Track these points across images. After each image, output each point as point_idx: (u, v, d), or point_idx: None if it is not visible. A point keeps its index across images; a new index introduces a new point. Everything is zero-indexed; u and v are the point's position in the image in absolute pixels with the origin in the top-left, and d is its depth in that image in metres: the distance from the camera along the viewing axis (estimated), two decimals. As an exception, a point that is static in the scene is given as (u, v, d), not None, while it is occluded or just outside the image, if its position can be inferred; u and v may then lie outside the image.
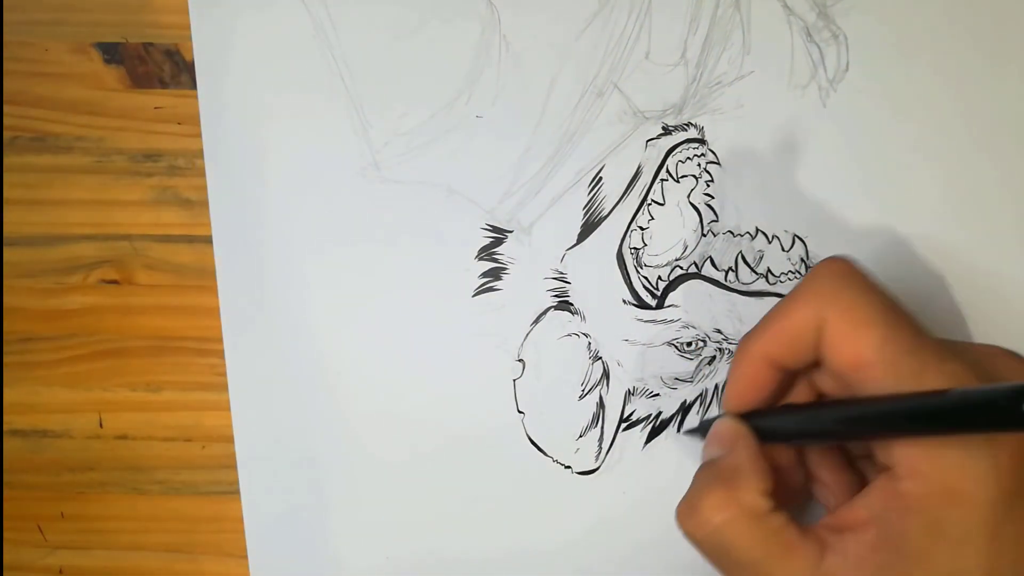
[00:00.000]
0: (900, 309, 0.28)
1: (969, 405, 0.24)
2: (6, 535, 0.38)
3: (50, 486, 0.38)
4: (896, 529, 0.26)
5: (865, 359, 0.27)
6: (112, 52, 0.38)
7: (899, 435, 0.26)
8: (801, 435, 0.30)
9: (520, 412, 0.36)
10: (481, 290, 0.35)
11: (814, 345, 0.28)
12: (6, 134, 0.37)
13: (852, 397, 0.28)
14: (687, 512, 0.29)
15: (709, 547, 0.29)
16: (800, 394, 0.31)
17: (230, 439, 0.38)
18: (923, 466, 0.26)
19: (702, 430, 0.34)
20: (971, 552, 0.26)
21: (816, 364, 0.30)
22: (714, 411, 0.36)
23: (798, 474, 0.32)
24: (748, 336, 0.30)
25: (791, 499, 0.31)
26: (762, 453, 0.30)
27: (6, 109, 0.38)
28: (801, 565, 0.27)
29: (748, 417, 0.31)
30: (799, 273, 0.35)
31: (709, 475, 0.29)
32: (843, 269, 0.29)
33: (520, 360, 0.35)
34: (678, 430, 0.36)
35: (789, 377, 0.31)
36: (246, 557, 0.38)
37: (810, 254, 0.35)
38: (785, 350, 0.29)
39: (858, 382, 0.27)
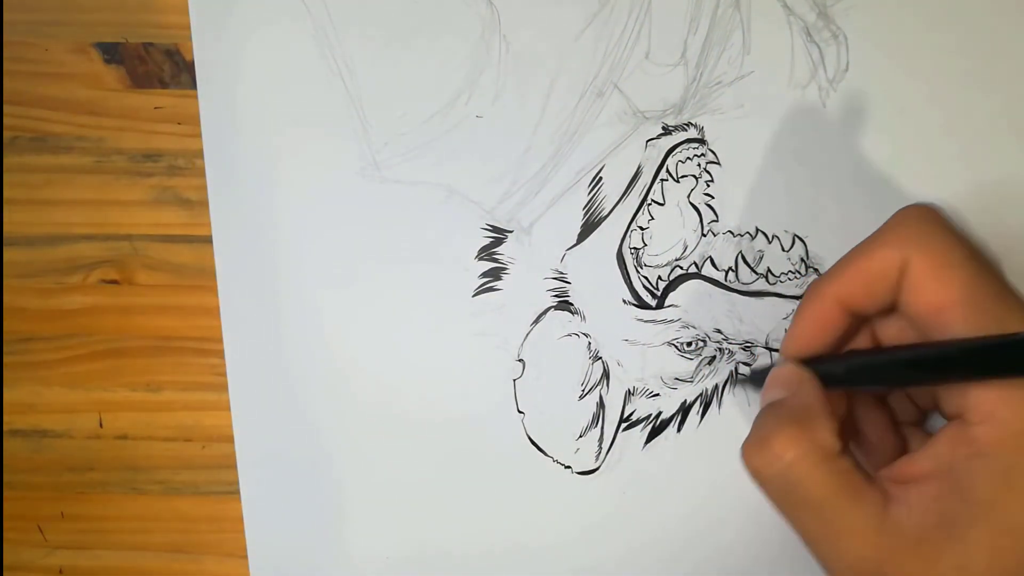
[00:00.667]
0: (984, 257, 0.28)
1: None
2: (6, 535, 0.38)
3: (50, 486, 0.38)
4: (964, 478, 0.26)
5: (950, 300, 0.27)
6: (112, 52, 0.38)
7: (977, 378, 0.26)
8: (869, 379, 0.30)
9: (520, 412, 0.36)
10: (481, 290, 0.35)
11: (894, 288, 0.28)
12: (6, 134, 0.37)
13: (925, 341, 0.28)
14: (756, 448, 0.28)
15: (777, 484, 0.28)
16: (860, 343, 0.31)
17: (230, 439, 0.38)
18: (1000, 411, 0.26)
19: (755, 380, 0.34)
20: None
21: (886, 311, 0.30)
22: (714, 410, 0.36)
23: (848, 428, 0.32)
24: (820, 279, 0.30)
25: None
26: (827, 396, 0.29)
27: (6, 109, 0.38)
28: (867, 511, 0.27)
29: (808, 364, 0.30)
30: (799, 273, 0.35)
31: (777, 414, 0.29)
32: (929, 214, 0.28)
33: (520, 360, 0.35)
34: (678, 430, 0.36)
35: (854, 325, 0.31)
36: (246, 557, 0.38)
37: (810, 254, 0.35)
38: (862, 292, 0.29)
39: (938, 326, 0.27)
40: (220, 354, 0.37)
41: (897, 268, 0.28)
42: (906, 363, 0.28)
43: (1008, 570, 0.25)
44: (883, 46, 0.34)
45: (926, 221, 0.28)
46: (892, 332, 0.31)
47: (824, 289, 0.30)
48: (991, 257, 0.28)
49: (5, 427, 0.38)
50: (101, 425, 0.39)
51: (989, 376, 0.26)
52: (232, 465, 0.38)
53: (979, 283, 0.27)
